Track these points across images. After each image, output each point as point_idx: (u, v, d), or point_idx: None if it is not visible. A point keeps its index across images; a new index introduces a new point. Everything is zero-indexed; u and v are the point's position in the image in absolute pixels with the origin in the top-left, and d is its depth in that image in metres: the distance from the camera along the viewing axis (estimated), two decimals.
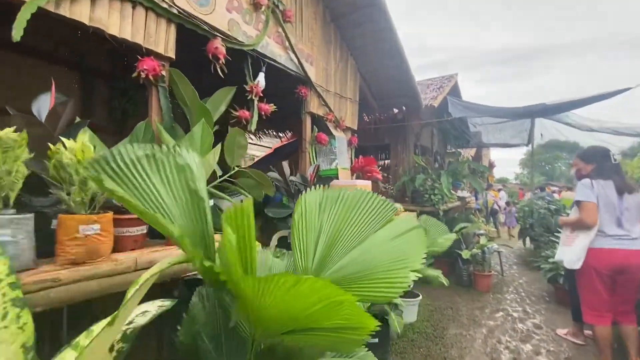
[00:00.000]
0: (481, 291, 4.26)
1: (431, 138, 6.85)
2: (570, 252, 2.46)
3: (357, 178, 3.77)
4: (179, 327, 1.05)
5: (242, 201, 0.73)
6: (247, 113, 2.23)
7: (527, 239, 6.85)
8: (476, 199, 9.62)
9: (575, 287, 2.62)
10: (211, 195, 1.59)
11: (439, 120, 4.85)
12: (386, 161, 7.02)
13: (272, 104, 2.39)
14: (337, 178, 3.19)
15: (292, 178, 2.62)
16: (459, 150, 8.74)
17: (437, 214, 4.83)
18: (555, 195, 8.34)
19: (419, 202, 4.98)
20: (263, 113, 2.34)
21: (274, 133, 6.19)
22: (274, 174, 2.65)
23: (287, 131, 6.10)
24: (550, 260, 3.90)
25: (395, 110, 4.92)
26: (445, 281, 2.60)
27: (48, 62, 3.26)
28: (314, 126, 3.02)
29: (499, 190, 11.84)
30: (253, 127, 2.24)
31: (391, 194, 5.46)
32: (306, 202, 1.14)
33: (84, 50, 3.44)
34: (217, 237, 0.85)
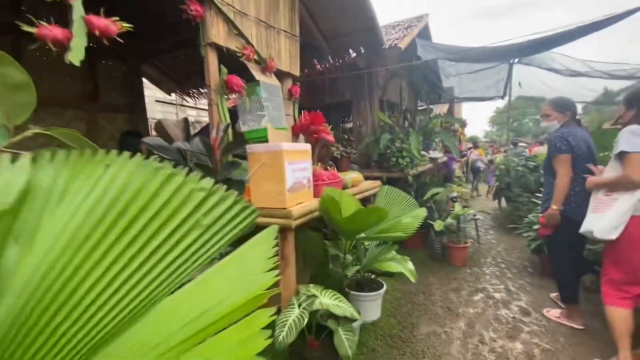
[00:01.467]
0: (456, 265, 3.69)
1: (400, 93, 5.99)
2: (605, 220, 1.86)
3: (301, 141, 2.89)
4: None
5: None
6: (58, 31, 1.24)
7: (503, 199, 6.40)
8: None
9: (560, 262, 2.42)
10: None
11: (406, 65, 3.96)
12: (351, 123, 6.14)
13: (127, 24, 1.40)
14: (267, 141, 2.29)
15: (181, 145, 1.69)
16: (430, 107, 8.00)
17: (406, 180, 4.10)
18: (526, 152, 7.93)
19: (386, 167, 4.21)
20: (99, 34, 1.36)
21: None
22: (155, 139, 1.71)
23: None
24: (536, 227, 3.32)
25: (353, 54, 3.96)
26: (413, 277, 1.87)
27: None
28: (221, 66, 2.04)
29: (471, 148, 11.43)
30: (75, 57, 1.26)
31: (354, 159, 4.65)
32: None
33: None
34: None
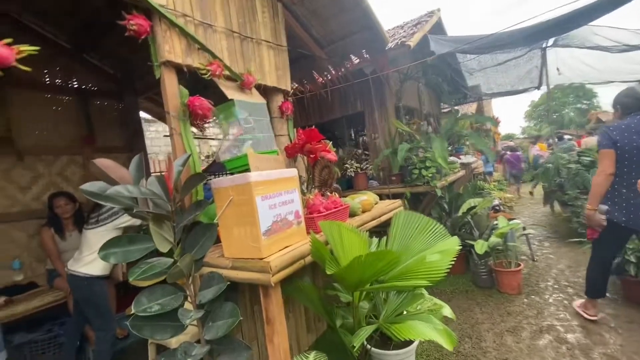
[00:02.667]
0: (509, 294, 2.99)
1: (418, 96, 5.46)
2: None
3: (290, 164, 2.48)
4: None
5: None
6: None
7: (555, 203, 5.50)
8: (486, 162, 8.26)
9: (599, 264, 2.35)
10: None
11: (418, 63, 3.46)
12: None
13: (28, 47, 1.10)
14: (248, 169, 1.89)
15: (126, 188, 1.32)
16: (456, 108, 7.33)
17: (434, 193, 3.52)
18: (575, 146, 6.93)
19: (408, 181, 3.66)
20: None
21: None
22: (94, 184, 1.36)
23: None
24: None
25: (355, 60, 3.54)
26: (449, 343, 1.32)
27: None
28: (180, 87, 1.70)
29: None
30: None
31: (371, 176, 4.14)
32: None
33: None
34: None
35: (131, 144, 3.79)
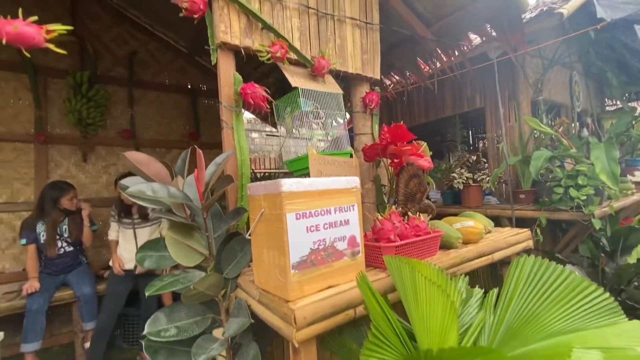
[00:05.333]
0: None
1: (570, 89, 4.08)
2: None
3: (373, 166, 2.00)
4: None
5: None
6: None
7: None
8: None
9: None
10: None
11: (573, 35, 2.39)
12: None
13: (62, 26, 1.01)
14: (307, 174, 1.53)
15: (151, 188, 1.13)
16: (630, 105, 5.30)
17: (588, 224, 2.42)
18: None
19: (545, 202, 2.64)
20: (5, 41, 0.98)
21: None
22: (134, 179, 1.23)
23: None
24: None
25: (475, 39, 2.73)
26: None
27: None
28: (235, 73, 1.45)
29: None
30: None
31: (488, 191, 3.22)
32: None
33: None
34: None
35: None
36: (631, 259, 2.44)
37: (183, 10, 1.36)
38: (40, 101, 2.89)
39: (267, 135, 6.78)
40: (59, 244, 2.45)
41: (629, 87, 4.91)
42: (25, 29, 0.98)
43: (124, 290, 2.44)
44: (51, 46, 1.05)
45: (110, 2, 3.24)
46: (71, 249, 2.50)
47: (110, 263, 2.46)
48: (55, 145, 2.99)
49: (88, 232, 2.55)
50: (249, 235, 1.17)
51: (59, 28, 1.04)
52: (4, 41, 0.96)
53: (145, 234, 2.51)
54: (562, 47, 3.42)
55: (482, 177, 3.14)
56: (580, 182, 2.42)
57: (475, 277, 1.97)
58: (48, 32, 1.03)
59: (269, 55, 1.49)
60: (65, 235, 2.47)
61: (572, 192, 2.42)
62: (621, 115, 3.02)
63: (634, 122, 3.63)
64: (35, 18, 1.01)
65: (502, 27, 2.40)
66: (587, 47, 3.57)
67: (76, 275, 2.48)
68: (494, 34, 2.53)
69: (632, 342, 0.91)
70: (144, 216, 2.51)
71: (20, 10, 1.02)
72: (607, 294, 1.03)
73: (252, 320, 1.10)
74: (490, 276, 2.11)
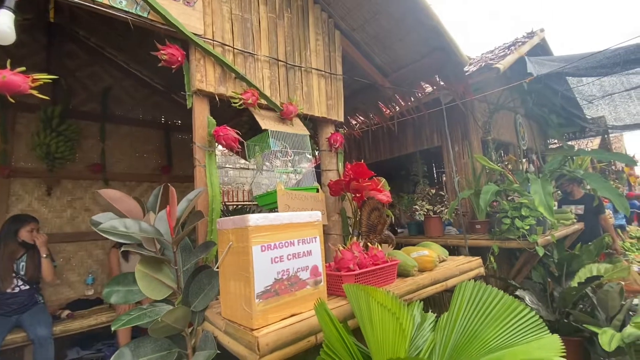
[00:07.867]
0: None
1: (515, 129, 4.58)
2: None
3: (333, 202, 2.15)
4: None
5: None
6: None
7: None
8: (614, 211, 6.39)
9: None
10: None
11: (510, 86, 2.80)
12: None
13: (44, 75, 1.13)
14: (276, 208, 1.64)
15: (124, 223, 1.20)
16: (570, 143, 6.00)
17: (534, 252, 2.67)
18: None
19: (496, 232, 2.89)
20: None
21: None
22: (106, 215, 1.29)
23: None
24: None
25: (428, 89, 3.09)
26: None
27: None
28: (209, 117, 1.59)
29: None
30: None
31: (447, 222, 3.46)
32: None
33: None
34: None
35: None
36: (573, 283, 2.69)
37: (162, 61, 1.51)
38: (7, 135, 2.85)
39: (240, 168, 6.85)
40: (15, 281, 2.33)
41: (566, 128, 5.59)
42: (13, 78, 1.08)
43: None
44: (35, 92, 1.14)
45: (87, 41, 3.34)
46: (27, 287, 2.38)
47: None
48: (18, 178, 2.91)
49: (47, 265, 2.43)
50: (217, 267, 1.25)
51: (44, 77, 1.15)
52: None
53: None
54: (505, 94, 3.91)
55: (441, 209, 3.39)
56: (523, 213, 2.70)
57: (433, 304, 2.10)
58: (34, 80, 1.13)
59: (241, 102, 1.65)
60: (22, 273, 2.36)
61: (518, 223, 2.69)
62: (555, 155, 3.44)
63: (568, 159, 4.13)
64: (23, 69, 1.11)
65: (449, 78, 2.76)
66: (525, 96, 4.09)
67: (31, 315, 2.33)
68: (442, 83, 2.89)
69: (551, 353, 1.06)
70: None
71: (9, 62, 1.11)
72: (534, 312, 1.20)
73: (219, 351, 1.15)
74: (448, 302, 2.25)
